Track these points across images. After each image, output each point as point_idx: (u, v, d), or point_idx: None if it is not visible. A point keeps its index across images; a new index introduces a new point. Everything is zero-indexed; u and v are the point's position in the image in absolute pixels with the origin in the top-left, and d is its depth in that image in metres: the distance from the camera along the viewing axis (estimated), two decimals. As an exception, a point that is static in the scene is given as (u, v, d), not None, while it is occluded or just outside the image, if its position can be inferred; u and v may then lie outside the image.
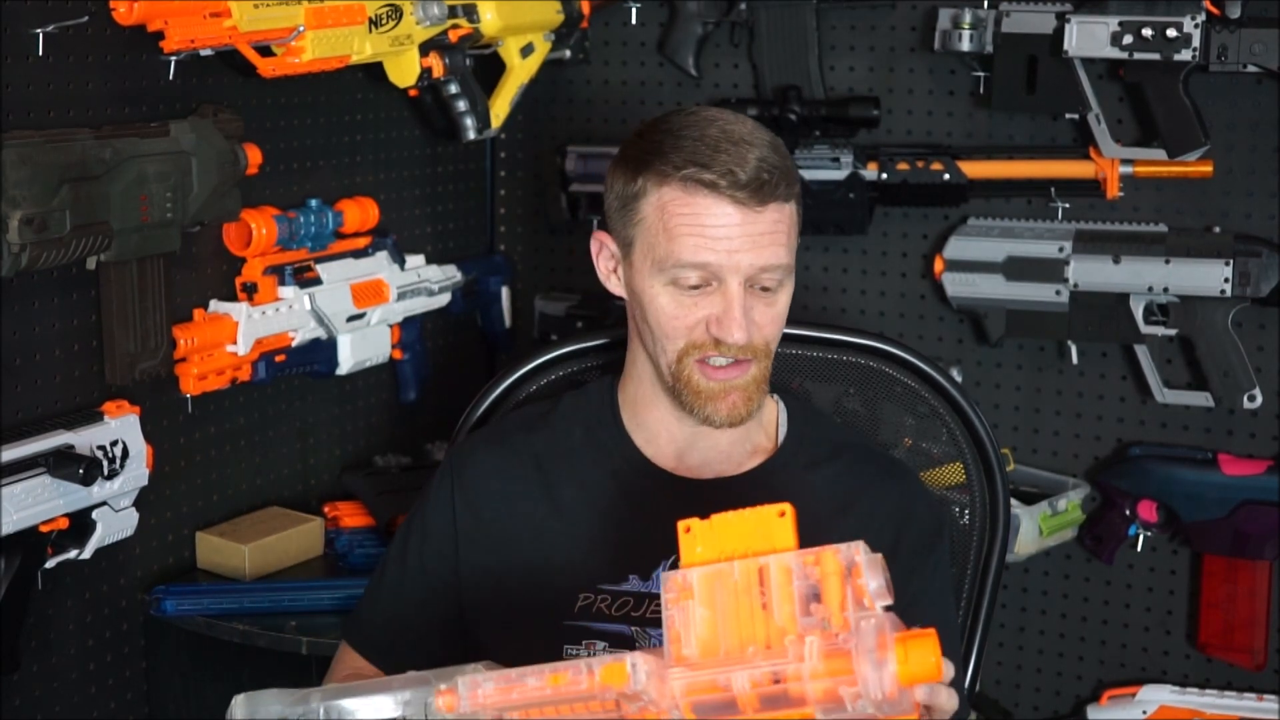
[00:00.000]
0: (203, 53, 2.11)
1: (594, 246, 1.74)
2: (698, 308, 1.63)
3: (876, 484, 1.73)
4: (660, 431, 1.72)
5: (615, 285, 1.73)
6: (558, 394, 1.85)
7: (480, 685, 1.27)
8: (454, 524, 1.74)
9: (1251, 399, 2.59)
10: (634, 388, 1.74)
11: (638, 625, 1.66)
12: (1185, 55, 2.47)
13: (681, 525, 1.26)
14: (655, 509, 1.69)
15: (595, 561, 1.68)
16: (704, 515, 1.68)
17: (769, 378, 1.68)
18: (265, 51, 2.18)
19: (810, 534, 1.69)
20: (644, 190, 1.64)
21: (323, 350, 2.49)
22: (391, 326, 2.62)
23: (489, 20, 2.57)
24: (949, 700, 1.35)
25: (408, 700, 1.34)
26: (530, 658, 1.69)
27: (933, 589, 1.74)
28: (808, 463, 1.74)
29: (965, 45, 2.62)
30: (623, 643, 1.66)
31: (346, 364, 2.53)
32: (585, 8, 2.80)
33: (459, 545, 1.73)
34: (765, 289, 1.64)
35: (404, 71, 2.45)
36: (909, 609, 1.71)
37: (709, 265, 1.61)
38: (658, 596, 1.66)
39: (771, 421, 1.77)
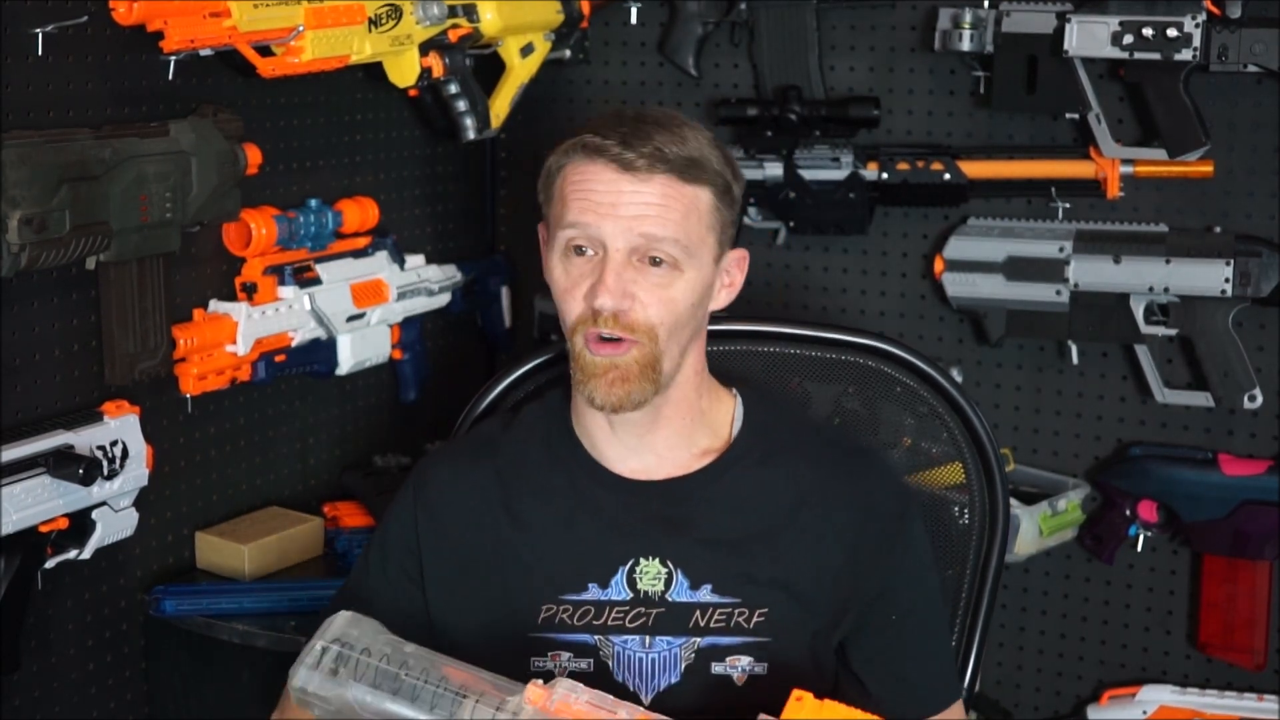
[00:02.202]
0: (202, 53, 2.11)
1: (540, 238, 1.75)
2: (583, 277, 1.64)
3: (835, 477, 1.72)
4: (600, 436, 1.72)
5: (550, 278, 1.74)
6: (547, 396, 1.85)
7: (576, 694, 1.35)
8: (417, 540, 1.74)
9: (1252, 399, 2.59)
10: (576, 395, 1.74)
11: (600, 634, 1.66)
12: (1186, 55, 2.47)
13: (795, 693, 1.37)
14: (611, 515, 1.70)
15: (556, 572, 1.68)
16: (658, 516, 1.69)
17: (659, 367, 1.64)
18: (265, 51, 2.18)
19: (767, 530, 1.70)
20: (555, 168, 1.68)
21: (322, 350, 2.49)
22: (391, 326, 2.62)
23: (489, 20, 2.57)
24: None
25: (480, 698, 1.38)
26: (497, 671, 1.70)
27: (900, 579, 1.73)
28: (761, 458, 1.72)
29: (965, 45, 2.62)
30: (586, 652, 1.67)
31: (346, 364, 2.53)
32: (585, 8, 2.80)
33: (423, 561, 1.74)
34: (655, 262, 1.63)
35: (404, 71, 2.45)
36: (875, 603, 1.71)
37: (589, 226, 1.62)
38: (618, 603, 1.67)
39: (725, 420, 1.75)
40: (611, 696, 1.38)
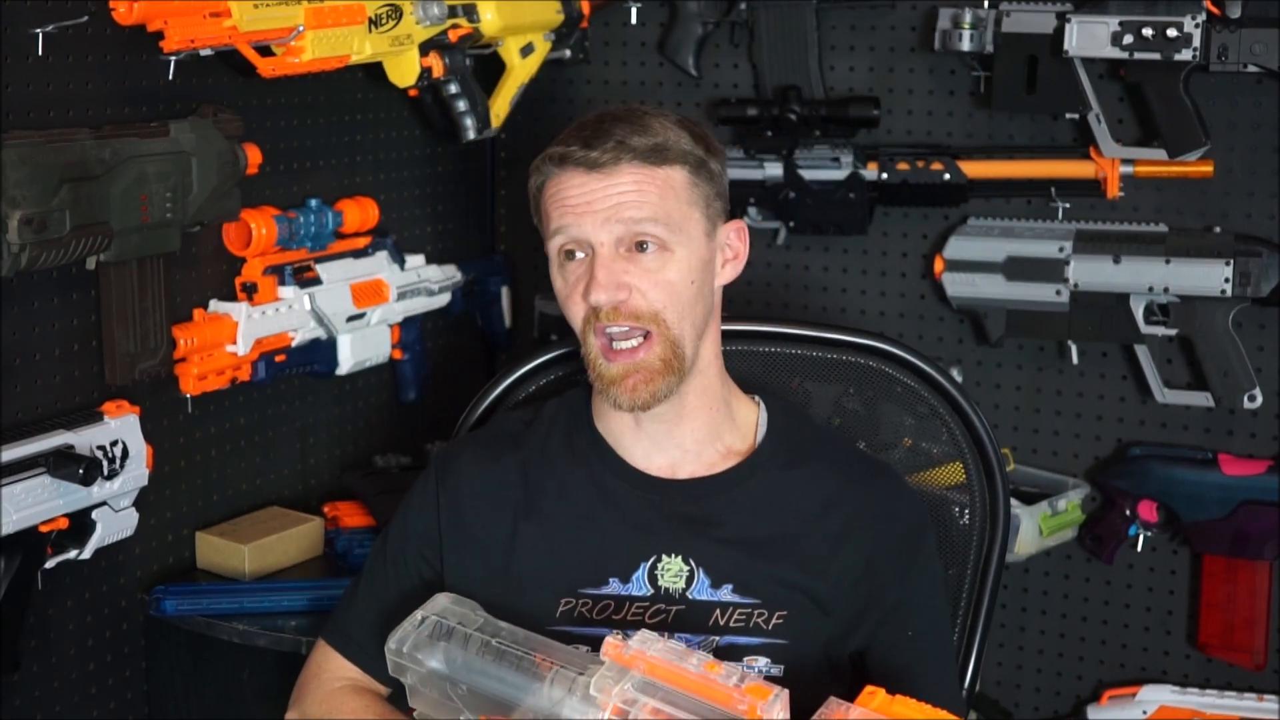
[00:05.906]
0: (202, 53, 2.11)
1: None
2: (579, 279, 1.67)
3: (857, 486, 1.73)
4: (625, 432, 1.73)
5: None
6: (555, 394, 1.85)
7: (649, 645, 1.40)
8: (439, 528, 1.74)
9: (1251, 399, 2.59)
10: (598, 396, 1.75)
11: (618, 629, 1.66)
12: (1185, 55, 2.47)
13: (869, 689, 1.39)
14: (634, 511, 1.71)
15: (576, 566, 1.69)
16: (682, 514, 1.69)
17: (681, 354, 1.67)
18: (265, 51, 2.18)
19: (790, 533, 1.70)
20: (535, 189, 1.72)
21: (323, 350, 2.49)
22: (391, 326, 2.62)
23: (489, 20, 2.57)
24: None
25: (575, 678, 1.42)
26: None
27: (918, 595, 1.74)
28: (786, 463, 1.73)
29: (965, 45, 2.62)
30: None
31: (346, 364, 2.53)
32: (585, 8, 2.80)
33: (444, 550, 1.74)
34: (641, 246, 1.65)
35: (404, 71, 2.45)
36: (892, 616, 1.71)
37: (570, 228, 1.66)
38: (638, 599, 1.67)
39: (750, 424, 1.77)
40: (684, 646, 1.42)
